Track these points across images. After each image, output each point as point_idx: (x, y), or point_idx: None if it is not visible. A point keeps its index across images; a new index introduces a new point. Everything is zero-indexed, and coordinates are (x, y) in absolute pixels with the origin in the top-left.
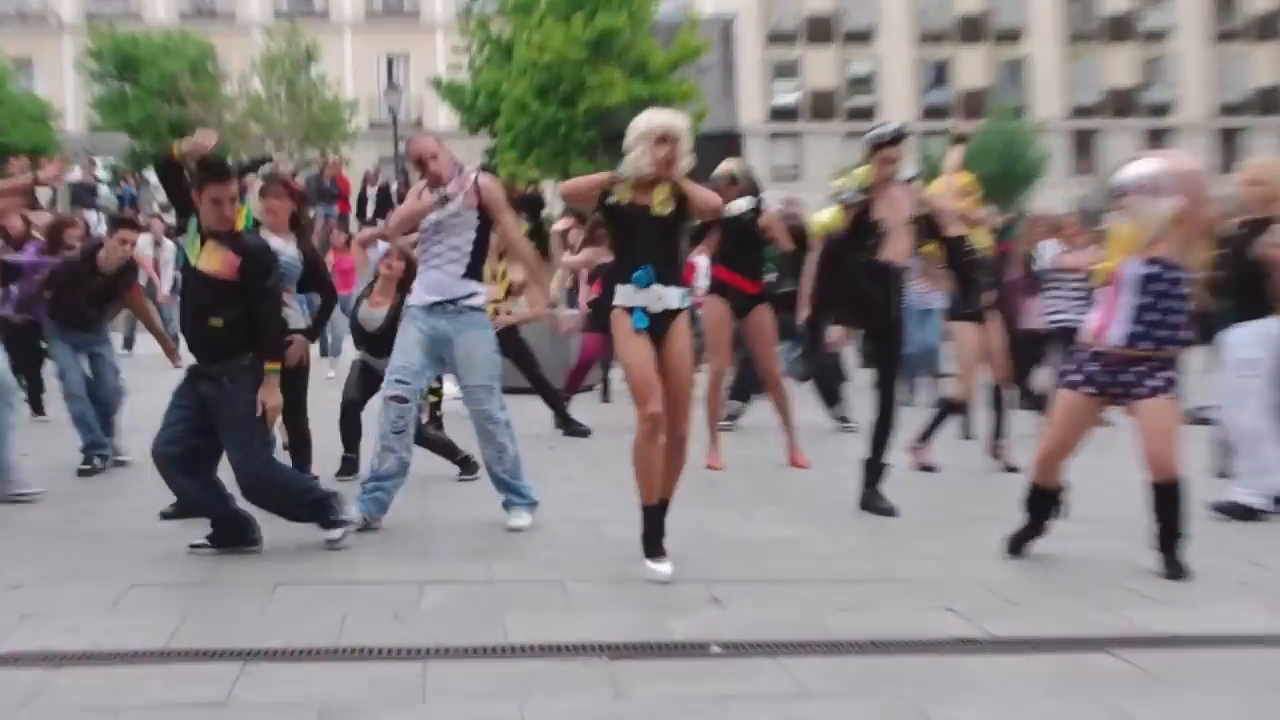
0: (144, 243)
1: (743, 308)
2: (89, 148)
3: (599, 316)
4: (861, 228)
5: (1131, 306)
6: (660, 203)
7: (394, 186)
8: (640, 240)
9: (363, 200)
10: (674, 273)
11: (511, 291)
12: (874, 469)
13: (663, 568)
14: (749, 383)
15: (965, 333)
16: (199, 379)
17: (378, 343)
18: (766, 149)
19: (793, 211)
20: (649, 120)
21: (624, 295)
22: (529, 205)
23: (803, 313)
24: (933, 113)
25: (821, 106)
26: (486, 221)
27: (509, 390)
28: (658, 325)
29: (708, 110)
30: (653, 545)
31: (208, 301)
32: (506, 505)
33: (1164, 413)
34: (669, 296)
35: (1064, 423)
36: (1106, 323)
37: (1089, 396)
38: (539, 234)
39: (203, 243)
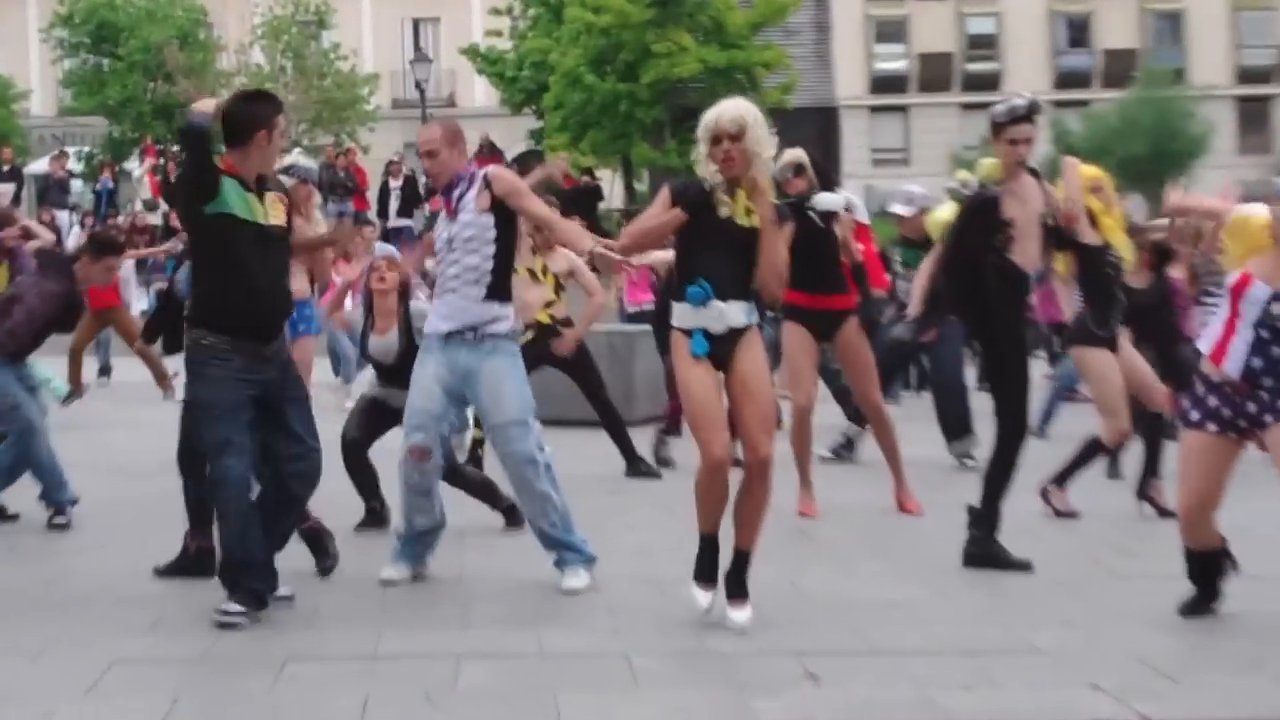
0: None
1: (826, 328)
2: (59, 135)
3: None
4: (988, 226)
5: (1252, 336)
6: (743, 211)
7: (422, 178)
8: (705, 248)
9: (384, 195)
10: (740, 286)
11: (561, 288)
12: (986, 516)
13: (704, 597)
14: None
15: (1099, 362)
16: (262, 366)
17: (397, 373)
18: (867, 126)
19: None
20: (705, 118)
21: (681, 314)
22: (583, 200)
23: (913, 312)
24: (1069, 80)
25: (934, 74)
26: (508, 225)
27: (557, 423)
28: (721, 348)
29: (797, 80)
30: (702, 569)
31: (285, 262)
32: (559, 564)
33: None
34: (732, 313)
35: (1196, 470)
36: (1223, 347)
37: (1216, 435)
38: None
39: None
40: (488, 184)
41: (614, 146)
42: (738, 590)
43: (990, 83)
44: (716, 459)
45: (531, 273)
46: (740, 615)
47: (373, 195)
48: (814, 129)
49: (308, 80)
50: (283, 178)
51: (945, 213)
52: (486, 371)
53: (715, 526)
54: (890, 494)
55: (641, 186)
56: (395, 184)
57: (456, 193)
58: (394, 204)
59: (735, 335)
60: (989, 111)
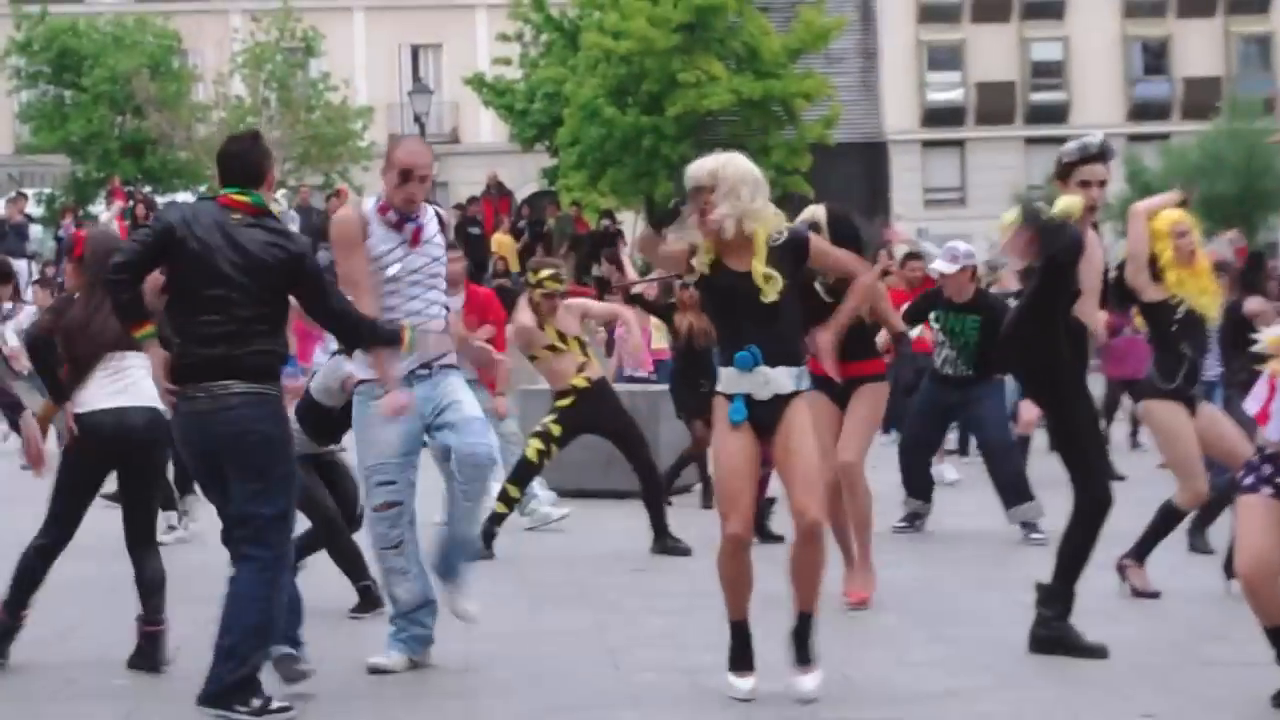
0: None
1: (848, 393)
2: (16, 175)
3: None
4: (1062, 279)
5: None
6: (763, 279)
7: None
8: (739, 313)
9: None
10: (786, 349)
11: (585, 346)
12: (1058, 595)
13: (744, 683)
14: (922, 477)
15: (1169, 418)
16: None
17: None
18: (919, 162)
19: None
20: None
21: (726, 380)
22: (602, 245)
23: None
24: (1145, 111)
25: (993, 105)
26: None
27: (578, 494)
28: (765, 415)
29: (840, 113)
30: (736, 658)
31: None
32: (447, 573)
33: None
34: (779, 380)
35: (1257, 538)
36: (1266, 410)
37: (1273, 499)
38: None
39: None
40: (441, 220)
41: (636, 186)
42: (803, 656)
43: (1057, 114)
44: (732, 534)
45: (552, 347)
46: (808, 683)
47: None
48: (860, 166)
49: (294, 114)
50: None
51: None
52: (443, 388)
53: (743, 612)
54: (950, 570)
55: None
56: None
57: (419, 223)
58: None
59: (782, 402)
60: (1058, 150)
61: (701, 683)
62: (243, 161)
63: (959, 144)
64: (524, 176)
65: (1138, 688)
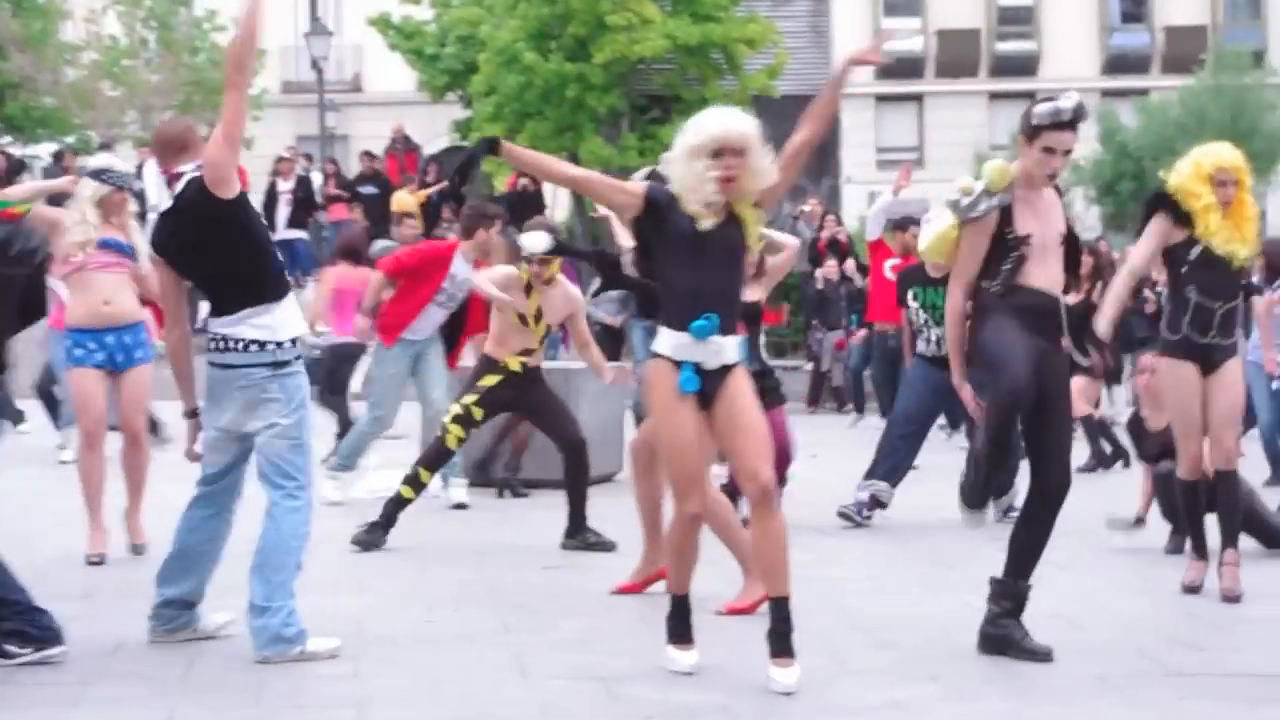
0: None
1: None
2: None
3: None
4: (998, 248)
5: None
6: (752, 231)
7: (318, 180)
8: (703, 274)
9: (271, 200)
10: (735, 318)
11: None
12: (1010, 591)
13: (686, 658)
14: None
15: (1176, 375)
16: None
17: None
18: (873, 119)
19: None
20: (703, 125)
21: (672, 344)
22: (521, 208)
23: (956, 375)
24: (1122, 63)
25: (956, 55)
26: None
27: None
28: (709, 384)
29: (786, 62)
30: (676, 629)
31: None
32: None
33: None
34: (729, 349)
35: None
36: None
37: None
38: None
39: None
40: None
41: (559, 141)
42: (781, 647)
43: (1025, 67)
44: (694, 515)
45: (521, 317)
46: (785, 675)
47: (256, 200)
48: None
49: (175, 56)
50: (93, 182)
51: (936, 231)
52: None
53: (686, 585)
54: (896, 569)
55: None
56: (285, 186)
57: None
58: (283, 211)
59: (724, 370)
60: (1028, 110)
61: (618, 691)
62: None
63: (917, 98)
64: (434, 129)
65: (1098, 700)
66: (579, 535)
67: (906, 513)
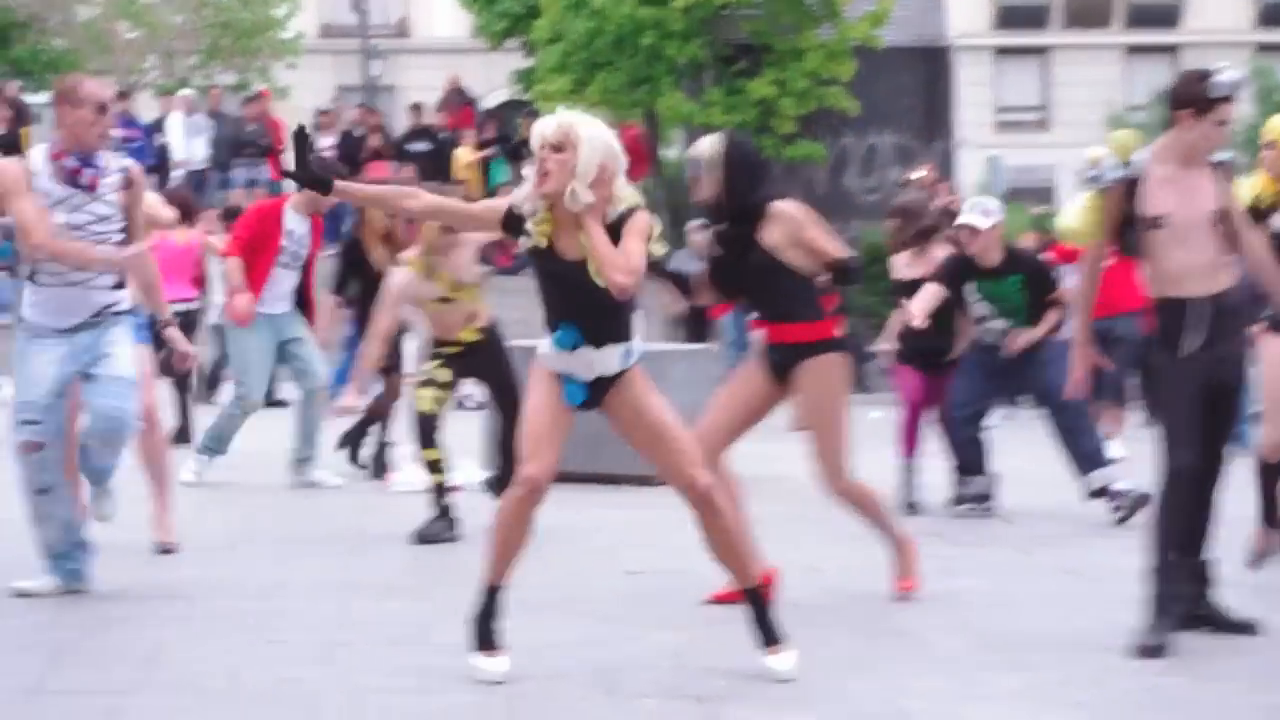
0: None
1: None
2: None
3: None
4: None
5: None
6: (578, 245)
7: (357, 131)
8: (556, 290)
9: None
10: (615, 326)
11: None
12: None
13: (494, 664)
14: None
15: (1268, 347)
16: None
17: None
18: (991, 74)
19: None
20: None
21: (551, 357)
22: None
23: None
24: (1274, 16)
25: (1086, 4)
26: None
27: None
28: (598, 392)
29: (892, 8)
30: (483, 633)
31: None
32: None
33: None
34: (605, 361)
35: None
36: None
37: None
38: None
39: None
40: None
41: (633, 96)
42: (769, 636)
43: (1164, 17)
44: (529, 476)
45: (443, 300)
46: (782, 662)
47: (290, 156)
48: (915, 77)
49: None
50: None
51: (1073, 215)
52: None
53: (503, 575)
54: (1019, 577)
55: (671, 151)
56: (327, 142)
57: (97, 167)
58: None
59: (610, 379)
60: (1196, 77)
61: (715, 712)
62: None
63: (1041, 51)
64: (491, 81)
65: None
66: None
67: (1031, 518)
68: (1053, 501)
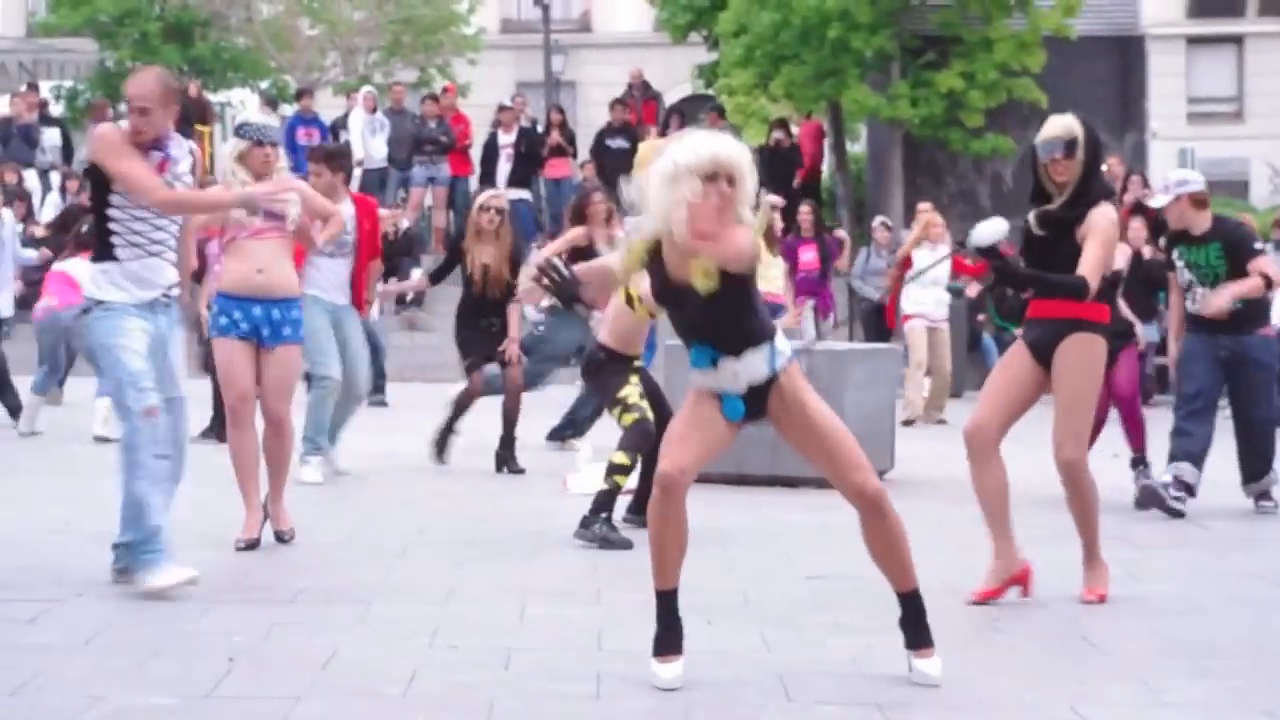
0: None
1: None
2: (28, 63)
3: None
4: None
5: None
6: (703, 274)
7: (540, 127)
8: (682, 313)
9: (490, 154)
10: (747, 333)
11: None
12: None
13: (667, 671)
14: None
15: None
16: None
17: None
18: (1184, 63)
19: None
20: (693, 150)
21: (698, 377)
22: (778, 166)
23: None
24: None
25: None
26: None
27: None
28: (756, 400)
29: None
30: (663, 638)
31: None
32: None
33: None
34: (750, 368)
35: None
36: None
37: None
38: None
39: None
40: (195, 158)
41: (819, 89)
42: (917, 638)
43: None
44: (661, 472)
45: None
46: (928, 665)
47: (475, 153)
48: (1107, 67)
49: None
50: (234, 139)
51: None
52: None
53: (671, 579)
54: (1216, 587)
55: (857, 147)
56: (506, 139)
57: (166, 153)
58: (504, 168)
59: (767, 386)
60: None
61: (893, 718)
62: None
63: (1236, 40)
64: (673, 76)
65: None
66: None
67: (1223, 520)
68: (1246, 503)
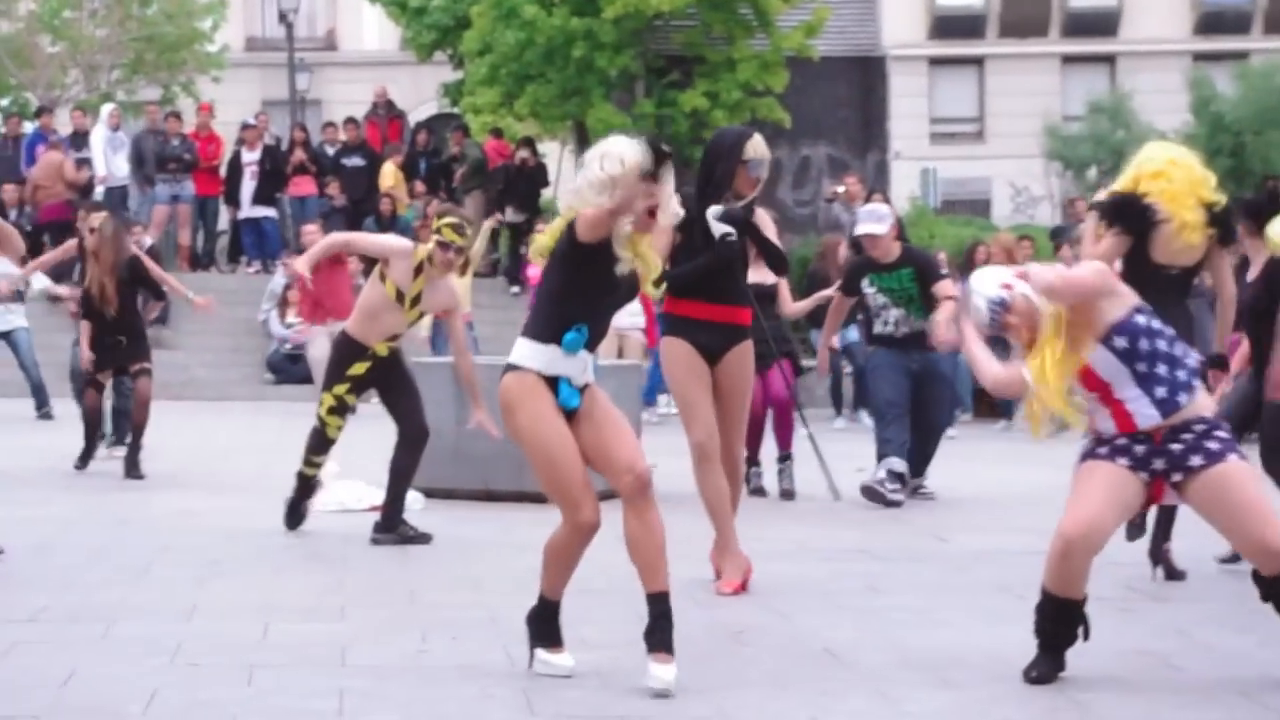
0: None
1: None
2: None
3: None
4: None
5: None
6: (636, 256)
7: (284, 143)
8: (597, 294)
9: (235, 173)
10: (601, 337)
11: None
12: None
13: (563, 659)
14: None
15: None
16: None
17: None
18: (925, 84)
19: None
20: (624, 150)
21: (541, 358)
22: (520, 184)
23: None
24: (1216, 23)
25: (1022, 13)
26: None
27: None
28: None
29: (827, 19)
30: (548, 632)
31: None
32: None
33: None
34: (592, 368)
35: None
36: None
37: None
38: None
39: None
40: None
41: (564, 107)
42: (661, 643)
43: (1103, 25)
44: (591, 523)
45: (400, 295)
46: (664, 672)
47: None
48: (850, 88)
49: (123, 8)
50: None
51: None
52: None
53: (559, 592)
54: (953, 600)
55: None
56: (251, 156)
57: None
58: (248, 186)
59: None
60: None
61: None
62: None
63: (977, 62)
64: (420, 94)
65: None
66: (395, 529)
67: (965, 534)
68: (992, 520)
